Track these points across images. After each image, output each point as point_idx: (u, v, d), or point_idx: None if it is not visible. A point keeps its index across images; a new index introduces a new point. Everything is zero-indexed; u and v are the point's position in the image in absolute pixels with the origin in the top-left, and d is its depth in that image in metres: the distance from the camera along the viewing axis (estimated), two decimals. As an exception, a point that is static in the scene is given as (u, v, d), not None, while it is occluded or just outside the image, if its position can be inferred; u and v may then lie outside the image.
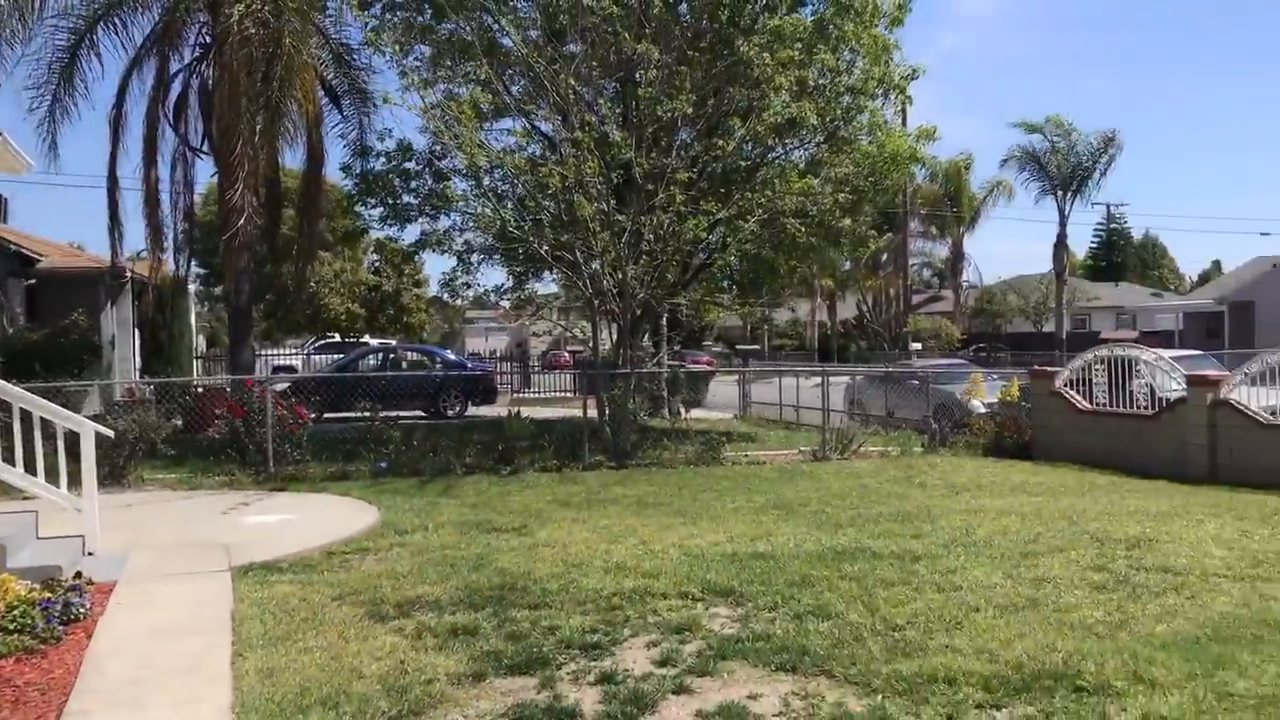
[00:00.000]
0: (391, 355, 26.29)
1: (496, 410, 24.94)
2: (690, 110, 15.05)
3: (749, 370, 26.69)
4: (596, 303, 15.29)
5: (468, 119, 14.08)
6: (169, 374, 21.60)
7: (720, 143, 15.83)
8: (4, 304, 19.19)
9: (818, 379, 19.42)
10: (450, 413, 24.41)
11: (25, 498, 10.52)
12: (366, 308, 36.78)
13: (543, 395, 34.32)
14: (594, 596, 7.46)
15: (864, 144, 17.72)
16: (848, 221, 17.73)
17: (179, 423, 16.16)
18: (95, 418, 17.27)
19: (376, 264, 36.87)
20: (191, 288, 26.98)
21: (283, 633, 6.62)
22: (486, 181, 17.40)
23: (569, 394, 34.29)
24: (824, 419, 18.10)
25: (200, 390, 18.72)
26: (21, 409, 9.26)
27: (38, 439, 9.34)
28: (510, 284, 20.32)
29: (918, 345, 46.86)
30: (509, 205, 16.31)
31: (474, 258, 18.76)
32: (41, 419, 9.32)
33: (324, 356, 36.20)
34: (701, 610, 7.12)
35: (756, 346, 40.08)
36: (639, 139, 14.78)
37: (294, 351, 39.73)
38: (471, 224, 18.57)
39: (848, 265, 46.99)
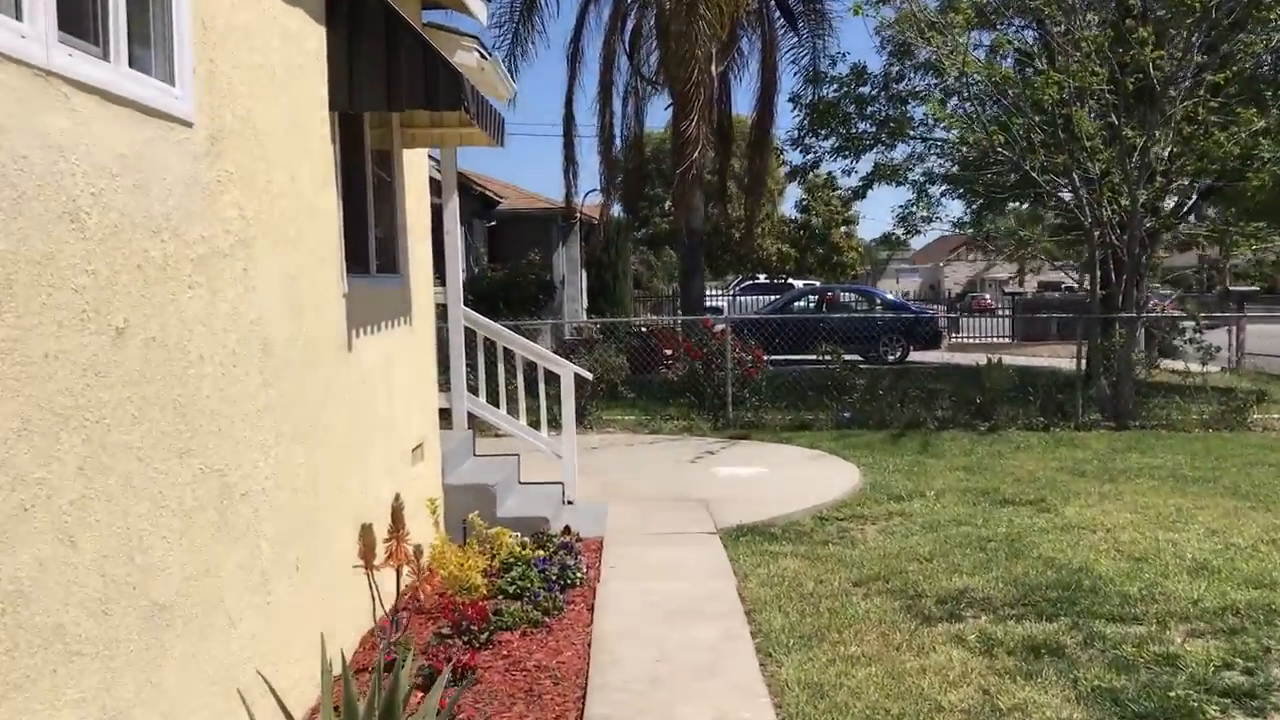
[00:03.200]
0: (827, 295, 25.08)
1: (938, 356, 23.08)
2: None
3: (1244, 316, 22.74)
4: (1097, 234, 13.00)
5: (965, 17, 12.22)
6: (613, 313, 21.75)
7: (1250, 38, 12.81)
8: (470, 244, 19.95)
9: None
10: (890, 358, 22.79)
11: (496, 435, 10.31)
12: (796, 247, 35.67)
13: (978, 340, 31.73)
14: (1194, 610, 5.68)
15: None
16: None
17: (624, 360, 15.69)
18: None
19: (805, 202, 35.65)
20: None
21: (810, 629, 5.45)
22: (954, 102, 15.53)
23: (1005, 339, 31.54)
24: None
25: (644, 330, 18.50)
26: (504, 349, 8.86)
27: (520, 382, 8.92)
28: (969, 217, 18.34)
29: None
30: (978, 127, 14.34)
31: (934, 188, 16.96)
32: (525, 361, 8.89)
33: (750, 298, 35.76)
34: (1375, 646, 5.13)
35: (1254, 288, 34.69)
36: (1159, 37, 12.25)
37: (718, 292, 39.70)
38: (934, 151, 16.78)
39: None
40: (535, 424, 8.95)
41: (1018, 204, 17.98)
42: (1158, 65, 12.08)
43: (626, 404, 14.22)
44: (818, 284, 36.64)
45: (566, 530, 7.40)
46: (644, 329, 18.97)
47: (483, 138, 6.45)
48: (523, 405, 8.88)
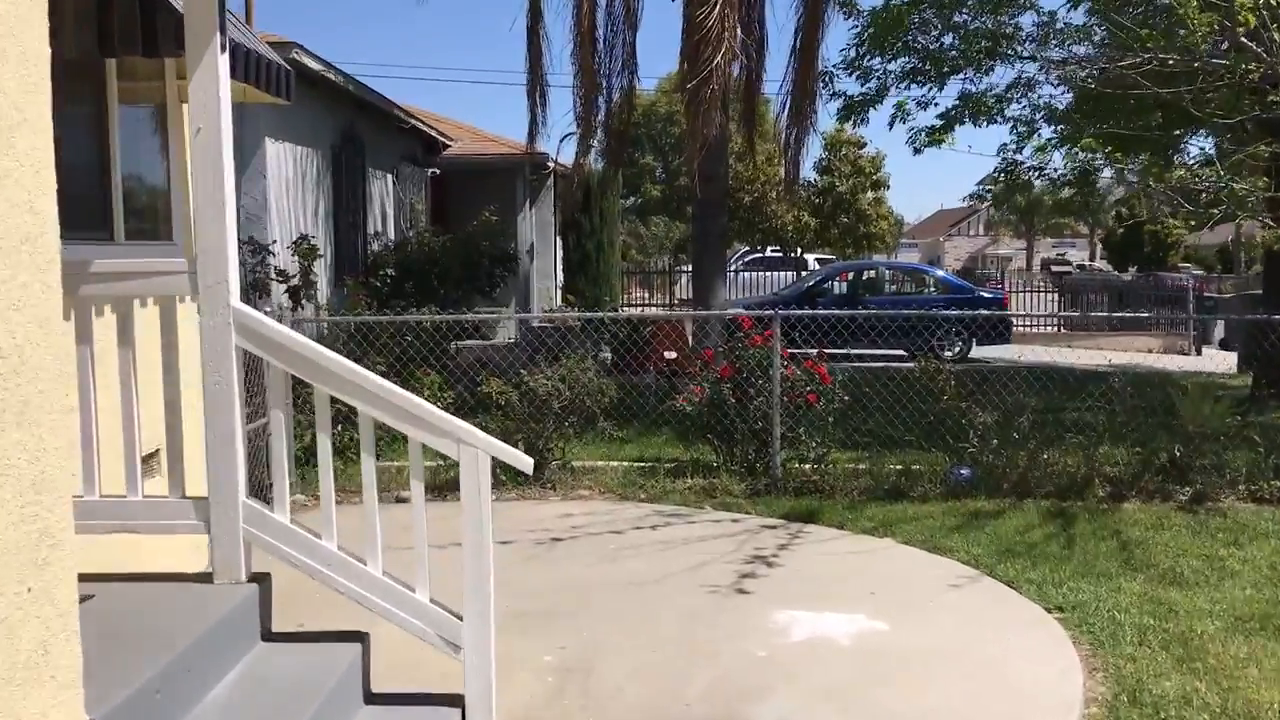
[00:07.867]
0: (868, 274, 20.04)
1: (1006, 351, 18.26)
2: None
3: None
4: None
5: None
6: (597, 293, 16.81)
7: None
8: (402, 201, 14.87)
9: None
10: (947, 354, 17.86)
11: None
12: (817, 216, 30.19)
13: (1030, 330, 26.85)
14: None
15: None
16: None
17: (608, 375, 10.53)
18: (510, 349, 12.50)
19: (826, 161, 30.07)
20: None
21: None
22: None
23: (1055, 330, 26.74)
24: None
25: (631, 319, 13.67)
26: (332, 398, 3.90)
27: (369, 471, 3.95)
28: (1071, 171, 13.48)
29: None
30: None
31: (1049, 130, 12.08)
32: (380, 425, 3.92)
33: (754, 274, 30.65)
34: None
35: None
36: None
37: (716, 268, 34.38)
38: (1051, 76, 11.85)
39: None
40: (418, 580, 4.00)
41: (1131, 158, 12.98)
42: None
43: (611, 442, 9.25)
44: (835, 258, 31.54)
45: None
46: (634, 318, 14.13)
47: None
48: (378, 528, 3.91)
